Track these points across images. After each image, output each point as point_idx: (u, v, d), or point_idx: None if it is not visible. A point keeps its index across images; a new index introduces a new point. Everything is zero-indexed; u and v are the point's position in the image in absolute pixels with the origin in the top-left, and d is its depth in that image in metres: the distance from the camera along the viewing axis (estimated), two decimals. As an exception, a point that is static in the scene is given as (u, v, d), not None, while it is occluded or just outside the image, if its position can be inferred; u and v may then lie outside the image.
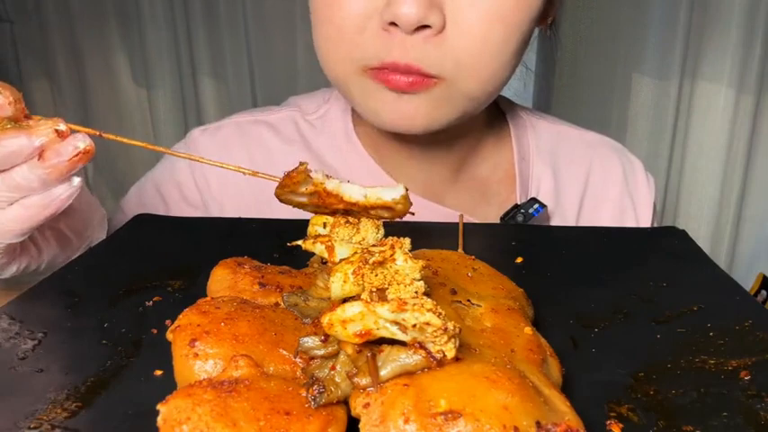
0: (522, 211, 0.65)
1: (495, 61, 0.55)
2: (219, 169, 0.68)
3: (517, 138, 0.72)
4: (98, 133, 0.41)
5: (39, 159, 0.39)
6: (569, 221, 0.71)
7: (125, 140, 0.43)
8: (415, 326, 0.27)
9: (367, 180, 0.67)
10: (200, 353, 0.31)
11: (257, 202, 0.68)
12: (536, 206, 0.65)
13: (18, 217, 0.41)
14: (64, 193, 0.41)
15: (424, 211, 0.66)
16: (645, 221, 0.73)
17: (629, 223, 0.72)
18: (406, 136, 0.65)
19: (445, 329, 0.27)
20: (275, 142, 0.70)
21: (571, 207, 0.72)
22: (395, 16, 0.51)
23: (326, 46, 0.57)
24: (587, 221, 0.72)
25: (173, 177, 0.70)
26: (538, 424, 0.26)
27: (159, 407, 0.27)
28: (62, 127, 0.39)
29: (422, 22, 0.51)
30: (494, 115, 0.73)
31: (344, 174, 0.68)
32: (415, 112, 0.56)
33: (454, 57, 0.54)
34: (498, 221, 0.65)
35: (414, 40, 0.52)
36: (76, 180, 0.42)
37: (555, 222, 0.70)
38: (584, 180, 0.73)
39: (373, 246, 0.33)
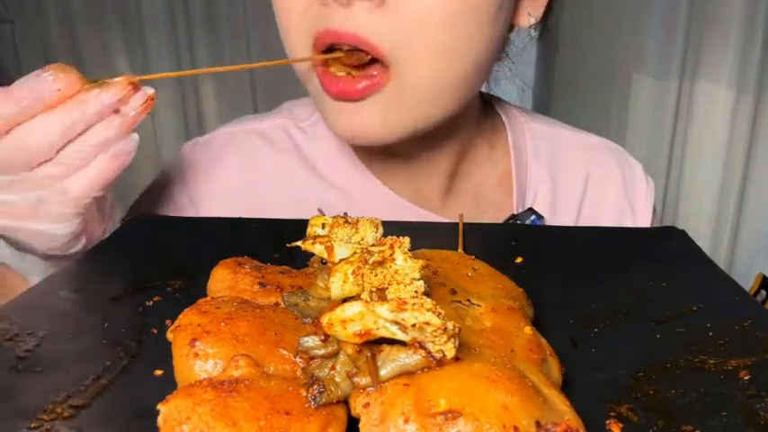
0: (519, 221, 0.64)
1: (452, 41, 0.51)
2: (212, 185, 0.69)
3: (515, 143, 0.71)
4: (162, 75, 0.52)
5: (114, 113, 0.45)
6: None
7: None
8: (414, 325, 0.27)
9: (360, 187, 0.67)
10: (200, 353, 0.31)
11: (252, 215, 0.67)
12: (533, 217, 0.64)
13: (99, 173, 0.46)
14: (128, 146, 0.47)
15: (419, 219, 0.65)
16: (643, 224, 0.72)
17: (628, 225, 0.72)
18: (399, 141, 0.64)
19: (445, 329, 0.27)
20: (267, 152, 0.69)
21: (569, 213, 0.71)
22: None
23: (284, 40, 0.56)
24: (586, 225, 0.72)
25: (168, 194, 0.70)
26: (537, 423, 0.26)
27: (159, 407, 0.27)
28: (135, 80, 0.46)
29: None
30: (486, 116, 0.71)
31: (337, 181, 0.67)
32: (369, 122, 0.53)
33: (403, 32, 0.50)
34: None
35: (355, 11, 0.49)
36: (135, 135, 0.47)
37: None
38: (582, 185, 0.72)
39: (372, 245, 0.33)
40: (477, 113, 0.68)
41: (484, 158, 0.70)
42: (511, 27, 0.61)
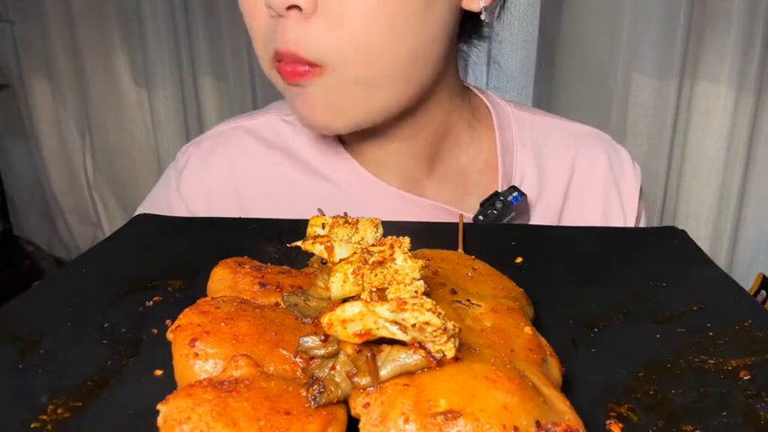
0: (501, 198, 0.65)
1: (378, 40, 0.54)
2: (203, 182, 0.70)
3: (501, 129, 0.72)
4: None
5: None
6: (554, 211, 0.72)
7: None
8: (414, 325, 0.27)
9: (345, 176, 0.68)
10: (200, 353, 0.31)
11: (243, 210, 0.69)
12: (515, 194, 0.66)
13: None
14: None
15: (405, 203, 0.67)
16: (631, 207, 0.73)
17: (615, 211, 0.73)
18: (378, 127, 0.65)
19: (445, 329, 0.27)
20: (256, 147, 0.71)
21: (555, 197, 0.72)
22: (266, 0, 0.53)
23: (254, 48, 0.60)
24: (572, 211, 0.72)
25: (168, 205, 0.71)
26: (537, 423, 0.26)
27: (159, 407, 0.27)
28: None
29: (289, 3, 0.52)
30: (470, 104, 0.72)
31: (323, 171, 0.69)
32: (314, 103, 0.57)
33: (331, 38, 0.54)
34: (478, 209, 0.66)
35: (290, 24, 0.54)
36: None
37: (539, 211, 0.71)
38: (569, 170, 0.73)
39: (372, 245, 0.33)
40: (453, 96, 0.69)
41: (466, 141, 0.71)
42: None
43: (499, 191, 0.68)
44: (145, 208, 0.72)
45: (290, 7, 0.53)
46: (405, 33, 0.55)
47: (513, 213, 0.65)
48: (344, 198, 0.67)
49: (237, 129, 0.73)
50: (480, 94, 0.75)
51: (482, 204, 0.65)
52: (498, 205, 0.64)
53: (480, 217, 0.64)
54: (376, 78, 0.56)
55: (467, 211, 0.67)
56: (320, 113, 0.58)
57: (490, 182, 0.71)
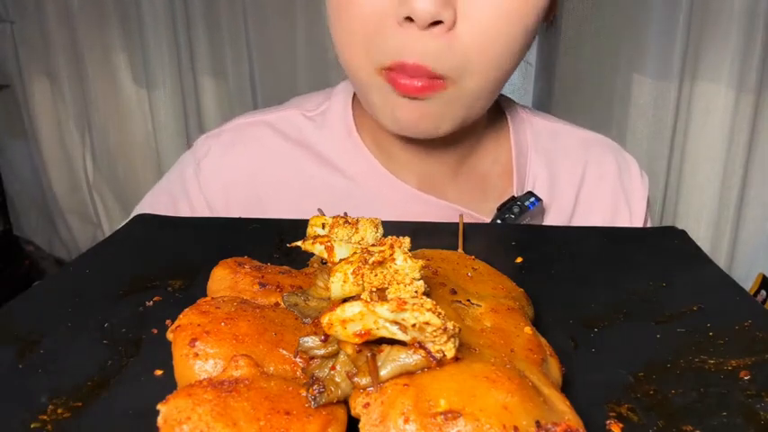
0: (519, 203, 0.66)
1: (502, 58, 0.55)
2: (222, 175, 0.70)
3: (515, 134, 0.73)
4: None
5: None
6: (564, 216, 0.72)
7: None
8: (414, 326, 0.27)
9: (365, 174, 0.68)
10: (200, 353, 0.31)
11: (261, 203, 0.69)
12: (532, 199, 0.66)
13: None
14: None
15: (424, 205, 0.67)
16: (638, 216, 0.74)
17: (623, 218, 0.74)
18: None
19: (445, 329, 0.27)
20: (275, 141, 0.71)
21: (566, 202, 0.73)
22: (411, 11, 0.51)
23: (347, 50, 0.58)
24: (582, 216, 0.73)
25: (185, 193, 0.71)
26: (537, 423, 0.26)
27: (159, 407, 0.27)
28: None
29: (436, 18, 0.52)
30: (494, 111, 0.73)
31: (343, 168, 0.68)
32: (423, 115, 0.57)
33: (463, 54, 0.54)
34: (495, 212, 0.66)
35: (426, 37, 0.53)
36: None
37: (550, 216, 0.71)
38: (579, 177, 0.74)
39: (372, 245, 0.33)
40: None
41: (489, 148, 0.72)
42: None
43: (515, 195, 0.68)
44: (156, 195, 0.72)
45: (432, 23, 0.52)
46: (520, 46, 0.56)
47: (529, 218, 0.66)
48: (362, 195, 0.67)
49: (257, 122, 0.72)
50: (498, 100, 0.75)
51: (499, 209, 0.66)
52: (516, 210, 0.65)
53: (498, 221, 0.65)
54: (486, 90, 0.57)
55: (484, 215, 0.67)
56: (427, 123, 0.58)
57: (506, 186, 0.71)
